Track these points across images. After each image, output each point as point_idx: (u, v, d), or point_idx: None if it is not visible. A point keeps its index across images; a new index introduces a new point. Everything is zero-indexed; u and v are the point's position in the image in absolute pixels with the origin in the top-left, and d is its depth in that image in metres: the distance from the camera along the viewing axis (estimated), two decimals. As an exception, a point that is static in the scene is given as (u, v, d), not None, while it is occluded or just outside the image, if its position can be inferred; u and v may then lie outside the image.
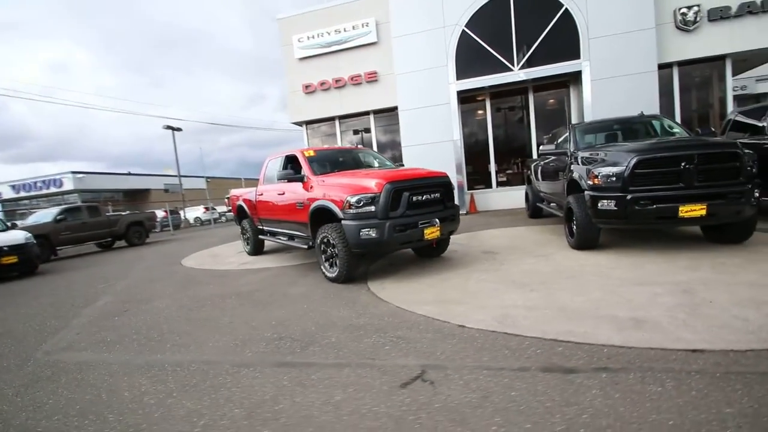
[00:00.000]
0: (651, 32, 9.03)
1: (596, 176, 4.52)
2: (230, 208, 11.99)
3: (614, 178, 4.33)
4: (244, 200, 7.12)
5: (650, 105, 9.00)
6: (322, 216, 4.72)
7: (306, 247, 5.16)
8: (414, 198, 4.29)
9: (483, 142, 11.03)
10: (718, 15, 8.89)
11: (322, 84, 11.64)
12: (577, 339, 2.38)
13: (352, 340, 2.73)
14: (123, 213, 13.12)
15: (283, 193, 5.53)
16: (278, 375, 2.30)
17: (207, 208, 27.89)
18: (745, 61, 9.68)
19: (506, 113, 11.16)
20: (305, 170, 5.11)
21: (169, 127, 25.32)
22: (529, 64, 9.82)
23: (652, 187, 4.16)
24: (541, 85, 10.52)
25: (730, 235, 4.48)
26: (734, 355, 2.02)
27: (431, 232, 4.39)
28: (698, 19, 9.02)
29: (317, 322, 3.18)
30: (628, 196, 4.20)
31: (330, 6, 11.41)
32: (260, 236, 6.88)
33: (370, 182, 4.22)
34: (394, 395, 1.94)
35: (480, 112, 11.08)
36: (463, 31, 10.08)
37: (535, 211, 8.06)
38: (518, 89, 10.67)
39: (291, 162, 5.98)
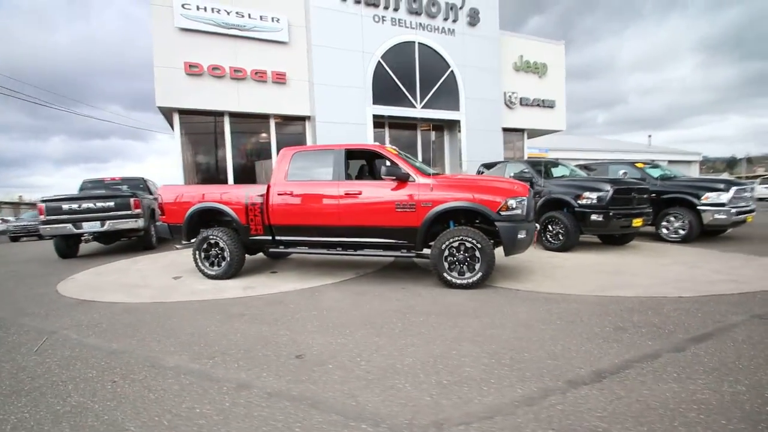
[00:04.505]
0: (499, 103, 12.79)
1: (585, 198, 6.47)
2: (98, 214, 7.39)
3: (600, 200, 6.36)
4: (228, 203, 5.16)
5: (497, 153, 12.60)
6: (442, 219, 4.46)
7: (413, 255, 4.56)
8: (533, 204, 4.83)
9: (380, 165, 11.89)
10: (525, 102, 13.65)
11: (214, 69, 9.44)
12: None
13: (678, 317, 3.14)
14: None
15: (359, 194, 4.66)
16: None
17: None
18: (524, 133, 15.06)
19: (400, 143, 12.54)
20: (407, 168, 4.59)
21: None
22: (427, 105, 11.66)
23: (619, 207, 6.41)
24: (426, 125, 12.58)
25: (621, 241, 7.34)
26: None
27: (537, 235, 5.03)
28: (515, 101, 13.51)
29: (581, 328, 3.29)
30: (611, 212, 6.29)
31: (233, -18, 9.61)
32: (271, 250, 5.17)
33: (516, 187, 4.47)
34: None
35: (379, 139, 11.98)
36: (379, 62, 10.89)
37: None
38: (410, 124, 12.33)
39: (353, 157, 5.15)
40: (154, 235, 8.87)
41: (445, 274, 4.38)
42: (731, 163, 75.81)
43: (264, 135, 10.63)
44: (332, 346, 2.77)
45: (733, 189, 6.95)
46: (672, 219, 7.46)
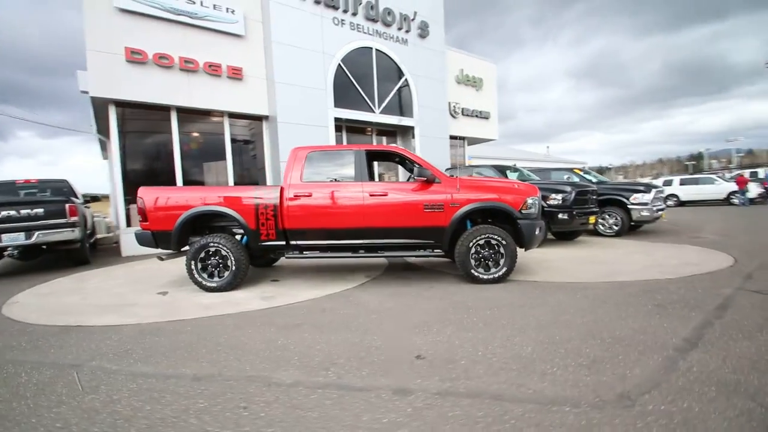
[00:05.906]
0: (445, 112, 13.58)
1: (552, 199, 7.30)
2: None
3: (564, 201, 7.25)
4: (234, 207, 4.68)
5: (445, 160, 13.37)
6: (467, 219, 4.69)
7: (441, 254, 4.67)
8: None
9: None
10: (465, 113, 14.73)
11: (161, 57, 8.35)
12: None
13: (688, 293, 3.78)
14: None
15: (385, 194, 4.63)
16: None
17: None
18: (465, 141, 16.23)
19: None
20: (432, 170, 4.71)
21: None
22: (384, 111, 11.86)
23: (579, 207, 7.37)
24: (381, 129, 12.76)
25: (571, 236, 8.43)
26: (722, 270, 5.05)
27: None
28: (458, 111, 14.50)
29: (631, 309, 3.79)
30: (574, 211, 7.21)
31: (183, -36, 8.63)
32: (286, 256, 4.79)
33: (529, 187, 4.88)
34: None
35: (338, 142, 11.80)
36: (339, 64, 10.78)
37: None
38: (364, 128, 12.40)
39: (373, 158, 5.12)
40: (89, 247, 7.51)
41: (472, 271, 4.59)
42: (600, 171, 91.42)
43: (217, 134, 9.69)
44: (438, 345, 2.76)
45: (653, 191, 8.49)
46: (606, 216, 8.79)
